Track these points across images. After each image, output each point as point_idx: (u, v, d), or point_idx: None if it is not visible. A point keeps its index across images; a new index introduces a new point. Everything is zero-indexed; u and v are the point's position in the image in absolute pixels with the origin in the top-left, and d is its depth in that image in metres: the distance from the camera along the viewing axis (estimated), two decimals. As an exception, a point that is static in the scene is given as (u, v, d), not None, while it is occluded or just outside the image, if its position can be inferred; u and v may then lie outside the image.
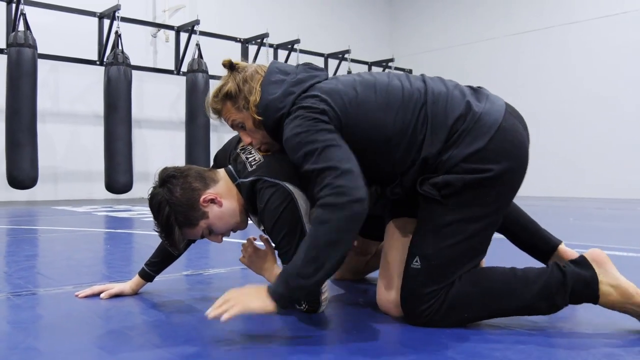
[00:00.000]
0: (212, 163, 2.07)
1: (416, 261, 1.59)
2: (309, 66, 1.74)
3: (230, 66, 1.76)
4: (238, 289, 1.48)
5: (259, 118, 1.67)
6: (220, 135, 9.44)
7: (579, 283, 1.53)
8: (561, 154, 10.25)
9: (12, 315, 1.78)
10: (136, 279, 2.02)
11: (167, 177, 1.69)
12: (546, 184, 9.94)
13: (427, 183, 1.60)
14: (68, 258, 2.96)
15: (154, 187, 1.72)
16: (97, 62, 7.90)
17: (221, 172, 1.80)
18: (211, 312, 1.41)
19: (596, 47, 10.07)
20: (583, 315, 1.75)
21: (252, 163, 1.74)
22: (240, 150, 1.82)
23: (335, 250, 1.44)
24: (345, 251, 1.47)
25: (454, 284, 1.57)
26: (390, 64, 11.34)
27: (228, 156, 1.91)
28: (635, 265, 2.74)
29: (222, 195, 1.72)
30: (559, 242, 1.93)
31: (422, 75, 1.73)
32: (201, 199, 1.68)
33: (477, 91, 1.69)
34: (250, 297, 1.43)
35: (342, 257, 1.46)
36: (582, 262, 1.57)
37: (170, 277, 2.36)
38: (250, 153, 1.77)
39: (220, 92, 1.74)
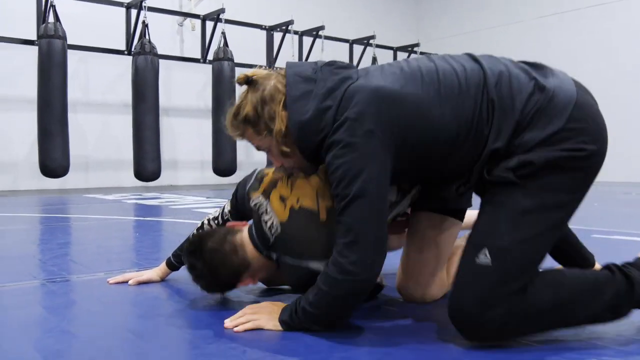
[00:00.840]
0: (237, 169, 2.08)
1: (485, 255, 1.32)
2: (333, 66, 1.48)
3: (246, 81, 1.52)
4: (257, 305, 1.56)
5: (287, 149, 1.50)
6: (246, 123, 9.50)
7: None
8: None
9: (48, 301, 1.87)
10: (163, 267, 2.09)
11: (208, 251, 1.66)
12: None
13: (498, 168, 1.36)
14: (99, 246, 3.06)
15: (194, 258, 1.69)
16: (125, 52, 8.02)
17: (246, 238, 1.69)
18: (228, 323, 1.50)
19: (634, 27, 9.85)
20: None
21: (272, 231, 1.60)
22: (255, 206, 1.67)
23: (335, 315, 1.46)
24: (348, 315, 1.50)
25: (527, 288, 1.32)
26: (415, 49, 11.26)
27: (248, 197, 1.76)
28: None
29: (254, 271, 1.71)
30: (594, 261, 1.84)
31: (469, 53, 1.49)
32: (240, 284, 1.72)
33: (538, 67, 1.46)
34: (265, 316, 1.50)
35: (345, 316, 1.50)
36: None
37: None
38: (267, 212, 1.62)
39: (239, 115, 1.52)
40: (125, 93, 8.21)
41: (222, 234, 1.69)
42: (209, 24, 8.80)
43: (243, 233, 1.70)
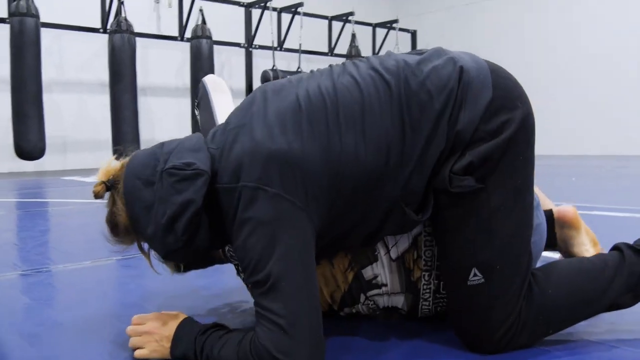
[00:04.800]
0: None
1: (474, 275, 1.21)
2: (176, 177, 1.17)
3: (107, 188, 1.27)
4: (144, 319, 1.28)
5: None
6: (225, 102, 9.41)
7: None
8: (563, 113, 10.26)
9: (36, 292, 1.84)
10: None
11: None
12: (549, 142, 9.96)
13: (453, 174, 1.18)
14: (83, 232, 3.02)
15: None
16: (101, 30, 7.85)
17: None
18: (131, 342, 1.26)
19: (600, 9, 9.98)
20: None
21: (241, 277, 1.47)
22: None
23: None
24: None
25: (533, 290, 1.24)
26: (394, 25, 11.20)
27: None
28: (632, 226, 2.77)
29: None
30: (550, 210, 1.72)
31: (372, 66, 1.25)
32: None
33: (423, 52, 1.30)
34: (153, 344, 1.23)
35: None
36: None
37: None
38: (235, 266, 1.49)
39: (117, 227, 1.29)
40: (101, 72, 8.05)
41: None
42: (186, 2, 8.63)
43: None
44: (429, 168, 1.19)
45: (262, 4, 9.16)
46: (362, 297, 1.39)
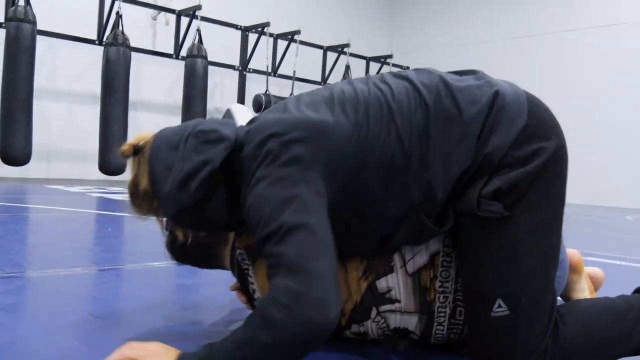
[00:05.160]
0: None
1: (499, 306, 1.16)
2: (200, 139, 1.24)
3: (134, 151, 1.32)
4: (140, 345, 1.11)
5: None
6: (215, 122, 9.39)
7: None
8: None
9: (4, 299, 1.78)
10: None
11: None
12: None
13: (481, 198, 1.16)
14: (67, 240, 2.95)
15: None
16: (97, 42, 7.83)
17: (227, 255, 1.54)
18: None
19: (588, 54, 10.21)
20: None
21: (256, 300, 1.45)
22: (239, 255, 1.46)
23: None
24: None
25: (559, 329, 1.21)
26: (388, 60, 11.33)
27: None
28: (626, 274, 2.78)
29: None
30: None
31: (393, 73, 1.30)
32: None
33: (474, 72, 1.33)
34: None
35: None
36: None
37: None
38: (250, 276, 1.44)
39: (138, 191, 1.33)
40: (93, 84, 8.00)
41: (203, 237, 1.51)
42: (184, 20, 8.67)
43: (226, 252, 1.53)
44: (450, 181, 1.18)
45: (260, 29, 9.23)
46: (374, 312, 1.34)
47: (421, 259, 1.31)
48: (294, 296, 0.99)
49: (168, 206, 1.24)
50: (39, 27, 6.96)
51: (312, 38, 10.24)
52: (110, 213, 4.38)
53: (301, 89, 10.27)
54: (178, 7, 8.84)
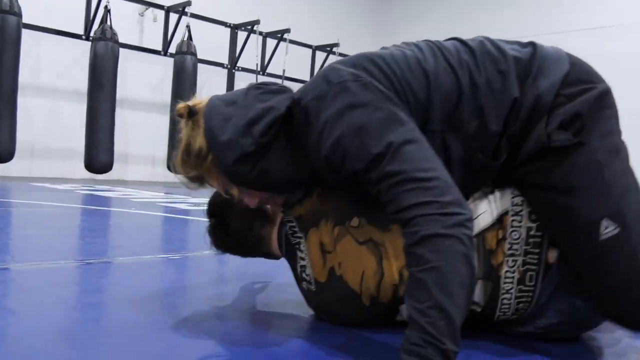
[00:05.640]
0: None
1: (606, 227, 1.12)
2: (261, 90, 1.27)
3: (189, 113, 1.28)
4: None
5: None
6: (203, 121, 9.24)
7: None
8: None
9: None
10: None
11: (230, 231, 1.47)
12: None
13: (546, 129, 1.17)
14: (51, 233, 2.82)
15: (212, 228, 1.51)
16: (83, 37, 7.65)
17: (274, 239, 1.46)
18: None
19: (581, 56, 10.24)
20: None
21: (306, 279, 1.37)
22: (290, 228, 1.39)
23: (467, 294, 0.99)
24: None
25: None
26: (376, 60, 11.28)
27: None
28: None
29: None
30: None
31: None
32: None
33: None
34: None
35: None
36: None
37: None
38: (301, 251, 1.36)
39: (191, 151, 1.28)
40: (79, 80, 7.81)
41: (249, 219, 1.46)
42: (172, 17, 8.52)
43: (273, 232, 1.45)
44: (503, 110, 1.19)
45: (249, 27, 9.12)
46: None
47: (486, 219, 1.24)
48: (436, 207, 0.98)
49: (228, 154, 1.19)
50: (24, 20, 6.78)
51: (301, 37, 10.15)
52: (106, 208, 4.24)
53: (290, 87, 10.14)
54: (167, 3, 8.70)
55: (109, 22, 7.31)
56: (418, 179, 1.00)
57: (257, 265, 1.72)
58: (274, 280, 1.85)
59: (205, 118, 1.23)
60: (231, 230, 1.44)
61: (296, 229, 1.36)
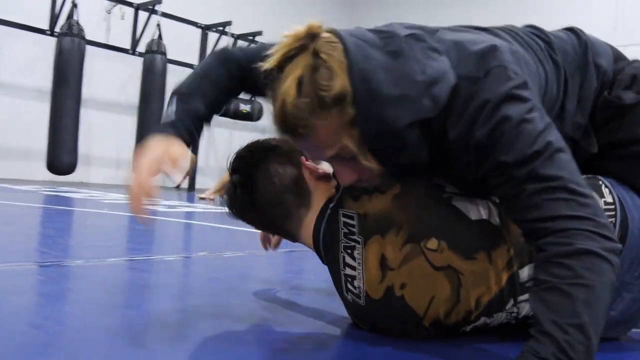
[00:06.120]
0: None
1: None
2: (425, 43, 1.05)
3: (311, 37, 1.05)
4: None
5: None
6: (171, 123, 8.98)
7: None
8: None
9: None
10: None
11: (257, 197, 1.27)
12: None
13: (610, 94, 1.24)
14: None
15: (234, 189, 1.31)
16: (48, 32, 7.32)
17: (309, 224, 1.26)
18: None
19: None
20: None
21: (354, 291, 1.16)
22: (344, 225, 1.17)
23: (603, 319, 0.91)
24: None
25: None
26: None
27: None
28: None
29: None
30: None
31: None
32: None
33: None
34: None
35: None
36: None
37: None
38: (354, 258, 1.15)
39: (328, 92, 0.96)
40: (41, 78, 7.46)
41: (282, 190, 1.23)
42: (142, 15, 8.24)
43: (307, 217, 1.23)
44: (588, 103, 1.23)
45: (221, 28, 8.92)
46: (510, 303, 1.13)
47: None
48: (592, 225, 0.93)
49: (402, 113, 0.95)
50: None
51: (274, 40, 9.96)
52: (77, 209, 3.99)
53: (260, 92, 9.94)
54: (136, 1, 8.43)
55: (76, 18, 7.02)
56: (573, 190, 0.95)
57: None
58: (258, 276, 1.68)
59: (351, 55, 0.96)
60: (257, 195, 1.23)
61: (354, 229, 1.13)
